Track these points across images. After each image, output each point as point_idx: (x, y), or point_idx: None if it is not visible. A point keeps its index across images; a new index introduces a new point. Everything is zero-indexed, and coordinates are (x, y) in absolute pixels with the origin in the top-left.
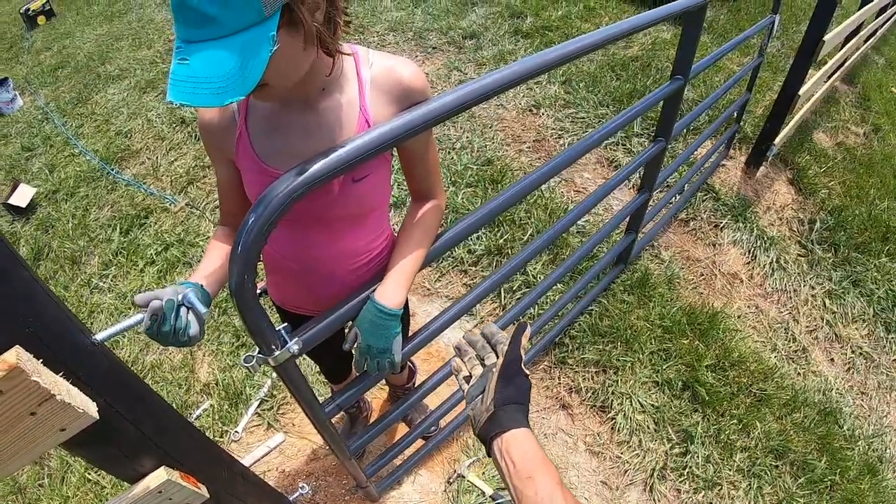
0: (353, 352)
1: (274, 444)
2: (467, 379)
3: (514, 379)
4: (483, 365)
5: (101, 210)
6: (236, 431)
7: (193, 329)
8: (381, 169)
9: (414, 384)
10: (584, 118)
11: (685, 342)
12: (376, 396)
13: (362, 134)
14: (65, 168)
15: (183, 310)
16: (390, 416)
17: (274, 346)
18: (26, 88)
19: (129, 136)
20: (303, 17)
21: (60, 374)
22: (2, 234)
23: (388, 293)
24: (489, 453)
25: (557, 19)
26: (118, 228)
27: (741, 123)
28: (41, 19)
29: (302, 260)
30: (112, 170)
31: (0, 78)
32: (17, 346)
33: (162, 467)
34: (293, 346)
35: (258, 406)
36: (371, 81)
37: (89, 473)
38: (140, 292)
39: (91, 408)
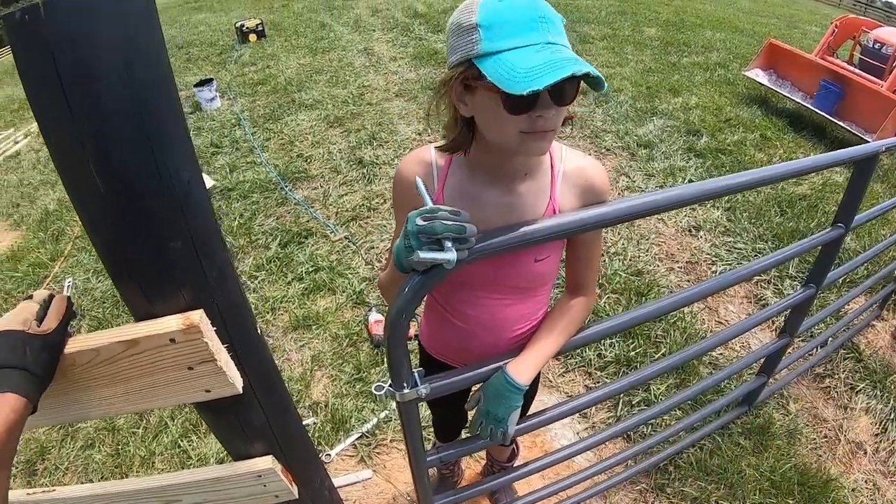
0: (473, 413)
1: (361, 477)
2: None
3: None
4: None
5: (267, 219)
6: (329, 454)
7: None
8: (557, 252)
9: (513, 465)
10: (741, 249)
11: (791, 503)
12: (471, 466)
13: (543, 220)
14: (244, 172)
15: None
16: (481, 485)
17: (405, 385)
18: (226, 93)
19: (308, 161)
20: None
21: (226, 346)
22: (218, 224)
23: (521, 368)
24: None
25: (732, 143)
26: (278, 239)
27: None
28: (253, 37)
29: (467, 318)
30: (286, 186)
31: (207, 78)
32: (203, 310)
33: (270, 456)
34: (422, 389)
35: (357, 438)
36: (563, 175)
37: (181, 441)
38: (283, 301)
39: (238, 382)
